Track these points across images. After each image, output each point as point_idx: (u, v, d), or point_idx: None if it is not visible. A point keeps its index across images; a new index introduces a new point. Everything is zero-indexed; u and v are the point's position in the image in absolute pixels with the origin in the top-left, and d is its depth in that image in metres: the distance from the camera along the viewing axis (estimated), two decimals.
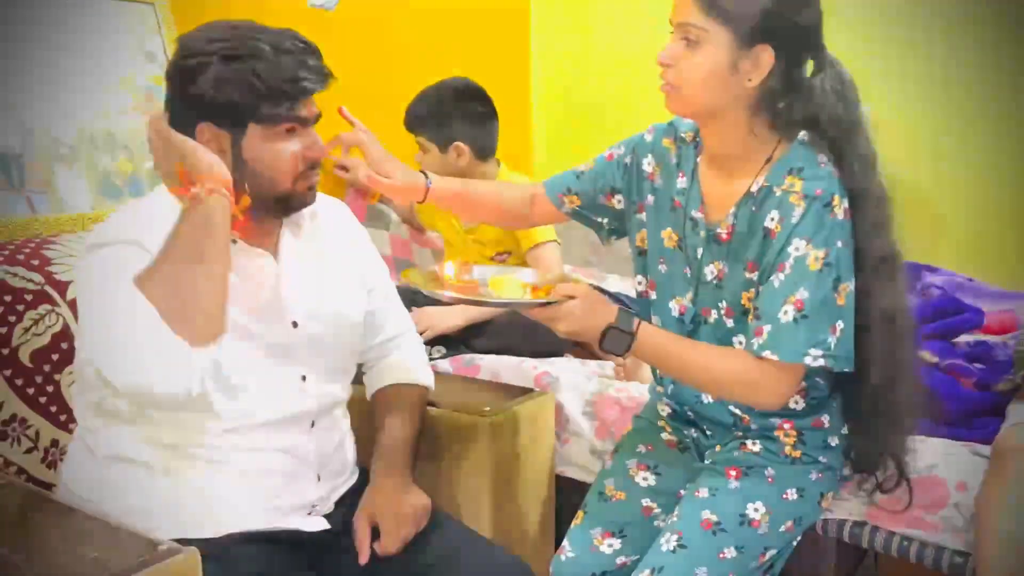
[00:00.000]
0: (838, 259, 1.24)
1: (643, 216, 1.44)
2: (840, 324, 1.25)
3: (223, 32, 1.22)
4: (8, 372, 1.40)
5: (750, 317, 1.29)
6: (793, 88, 1.27)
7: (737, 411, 1.40)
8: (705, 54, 1.23)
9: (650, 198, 1.43)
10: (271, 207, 1.28)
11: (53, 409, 1.45)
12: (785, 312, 1.24)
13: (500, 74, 2.25)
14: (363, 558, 1.31)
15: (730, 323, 1.34)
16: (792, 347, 1.23)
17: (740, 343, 1.33)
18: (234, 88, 1.19)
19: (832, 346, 1.24)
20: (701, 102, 1.27)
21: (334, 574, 1.31)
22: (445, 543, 1.35)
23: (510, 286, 1.31)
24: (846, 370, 1.27)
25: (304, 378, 1.32)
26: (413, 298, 2.04)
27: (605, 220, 1.51)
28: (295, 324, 1.31)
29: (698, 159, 1.38)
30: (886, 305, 1.29)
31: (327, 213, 1.42)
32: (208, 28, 1.24)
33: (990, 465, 1.41)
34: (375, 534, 1.33)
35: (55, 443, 1.45)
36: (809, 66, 1.28)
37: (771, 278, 1.26)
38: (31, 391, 1.43)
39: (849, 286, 1.26)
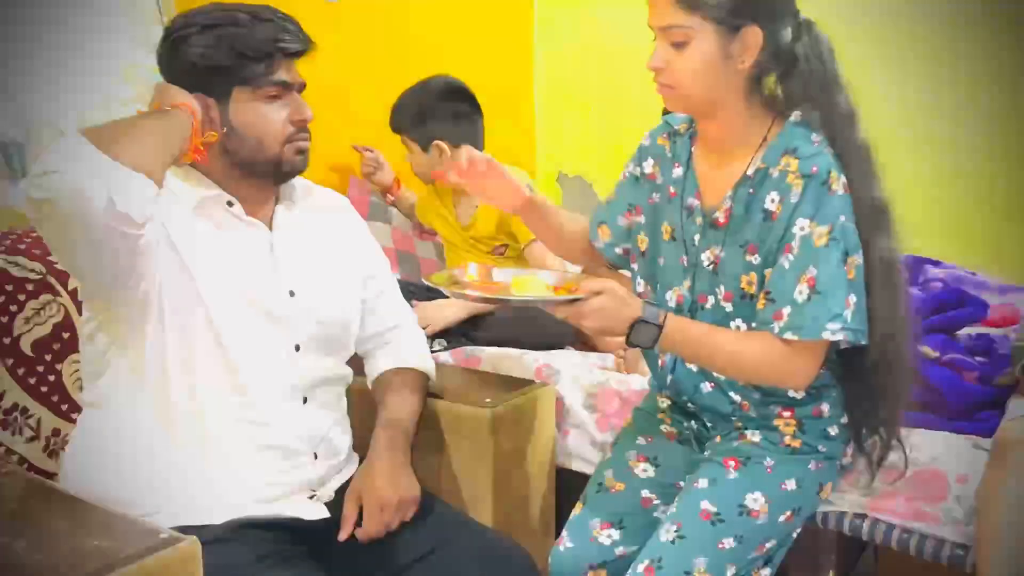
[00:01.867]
0: (843, 233, 1.25)
1: (641, 219, 1.45)
2: (853, 297, 1.26)
3: (203, 8, 1.30)
4: (10, 361, 1.41)
5: (761, 302, 1.30)
6: (779, 59, 1.28)
7: (736, 399, 1.40)
8: (694, 51, 1.24)
9: (655, 196, 1.44)
10: (263, 173, 1.31)
11: (55, 398, 1.45)
12: (800, 292, 1.26)
13: (503, 69, 2.25)
14: (343, 535, 1.32)
15: (728, 307, 1.35)
16: (811, 324, 1.25)
17: (738, 327, 1.34)
18: (215, 52, 1.25)
19: (848, 319, 1.25)
20: (700, 97, 1.28)
21: (334, 563, 1.31)
22: (444, 531, 1.36)
23: (534, 285, 1.33)
24: (862, 343, 1.28)
25: (297, 348, 1.34)
26: (413, 292, 2.05)
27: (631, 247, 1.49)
28: (292, 293, 1.34)
29: (692, 148, 1.39)
30: (883, 256, 1.29)
31: (324, 198, 1.47)
32: (190, 10, 1.31)
33: (991, 458, 1.40)
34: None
35: (56, 432, 1.45)
36: (788, 33, 1.28)
37: (780, 261, 1.27)
38: (33, 380, 1.43)
39: (857, 259, 1.27)
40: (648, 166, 1.45)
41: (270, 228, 1.35)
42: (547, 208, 1.53)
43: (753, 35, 1.25)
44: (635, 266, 1.47)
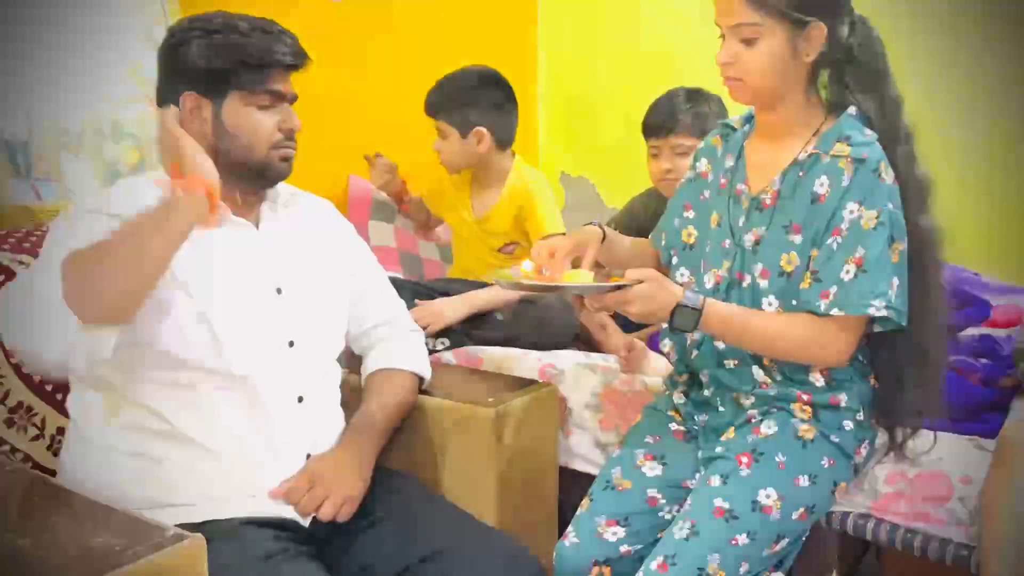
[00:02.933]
0: (890, 219, 1.30)
1: (691, 214, 1.52)
2: (896, 280, 1.31)
3: (206, 15, 1.34)
4: (15, 360, 1.41)
5: (806, 281, 1.34)
6: (837, 53, 1.35)
7: (759, 376, 1.42)
8: (764, 47, 1.32)
9: (706, 193, 1.51)
10: (250, 177, 1.35)
11: (59, 397, 1.45)
12: (847, 271, 1.31)
13: (506, 67, 2.25)
14: (273, 492, 1.32)
15: (764, 284, 1.40)
16: (857, 300, 1.30)
17: (770, 304, 1.39)
18: (216, 55, 1.30)
19: (892, 299, 1.30)
20: (766, 89, 1.36)
21: (338, 562, 1.31)
22: (448, 531, 1.36)
23: (582, 277, 1.39)
24: (903, 325, 1.32)
25: (291, 344, 1.36)
26: (416, 291, 2.05)
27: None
28: (279, 291, 1.37)
29: (745, 141, 1.46)
30: (923, 235, 1.37)
31: (309, 203, 1.50)
32: (195, 16, 1.36)
33: (994, 459, 1.41)
34: None
35: (61, 431, 1.45)
36: (846, 28, 1.35)
37: (828, 243, 1.33)
38: (37, 379, 1.43)
39: (902, 245, 1.32)
40: (701, 165, 1.53)
41: (256, 228, 1.38)
42: (622, 241, 1.57)
43: (818, 30, 1.32)
44: (675, 259, 1.54)
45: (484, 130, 2.10)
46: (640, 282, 1.30)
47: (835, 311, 1.31)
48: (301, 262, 1.42)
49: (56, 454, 1.44)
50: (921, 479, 1.48)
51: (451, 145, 2.12)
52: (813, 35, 1.32)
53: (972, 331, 1.85)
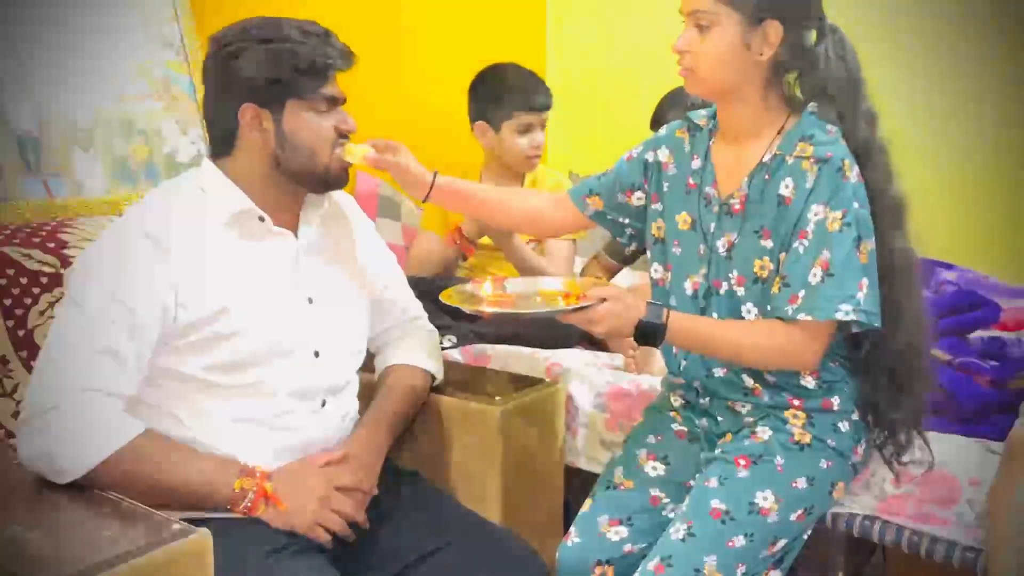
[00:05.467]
0: (856, 219, 1.29)
1: (658, 206, 1.49)
2: (865, 281, 1.30)
3: (252, 23, 1.33)
4: (24, 354, 1.42)
5: (775, 286, 1.33)
6: (800, 58, 1.35)
7: (749, 383, 1.41)
8: (717, 36, 1.31)
9: (666, 186, 1.48)
10: (311, 183, 1.36)
11: None
12: (814, 274, 1.30)
13: (515, 62, 2.26)
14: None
15: (741, 292, 1.38)
16: (824, 305, 1.29)
17: (748, 311, 1.38)
18: (273, 66, 1.29)
19: (860, 301, 1.28)
20: (718, 81, 1.34)
21: (344, 558, 1.31)
22: (453, 528, 1.36)
23: (547, 297, 1.40)
24: (875, 326, 1.31)
25: (317, 354, 1.36)
26: (421, 287, 2.04)
27: (627, 220, 1.55)
28: (310, 300, 1.37)
29: (711, 142, 1.44)
30: (901, 252, 1.35)
31: (338, 200, 1.49)
32: (236, 24, 1.35)
33: (1002, 461, 1.40)
34: None
35: None
36: (812, 35, 1.35)
37: (794, 246, 1.32)
38: None
39: (870, 244, 1.31)
40: (663, 154, 1.49)
41: (296, 237, 1.37)
42: (463, 185, 1.58)
43: (774, 30, 1.31)
44: (650, 252, 1.52)
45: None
46: (603, 300, 1.29)
47: (802, 316, 1.29)
48: (333, 270, 1.42)
49: None
50: (929, 481, 1.47)
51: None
52: (768, 34, 1.31)
53: (981, 333, 1.84)
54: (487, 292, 1.43)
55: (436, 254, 2.11)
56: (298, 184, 1.35)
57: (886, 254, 1.33)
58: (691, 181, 1.45)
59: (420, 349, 1.57)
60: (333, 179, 1.37)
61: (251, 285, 1.30)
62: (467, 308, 1.37)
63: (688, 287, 1.44)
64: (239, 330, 1.27)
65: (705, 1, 1.31)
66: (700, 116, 1.47)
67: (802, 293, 1.30)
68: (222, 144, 1.34)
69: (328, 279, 1.40)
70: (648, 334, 1.31)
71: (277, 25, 1.32)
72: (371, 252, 1.53)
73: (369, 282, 1.50)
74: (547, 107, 2.16)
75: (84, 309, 1.21)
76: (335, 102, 1.35)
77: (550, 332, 2.01)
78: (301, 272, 1.36)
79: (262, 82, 1.29)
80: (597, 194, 1.55)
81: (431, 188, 1.51)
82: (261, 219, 1.33)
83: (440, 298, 1.41)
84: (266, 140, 1.31)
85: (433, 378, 1.58)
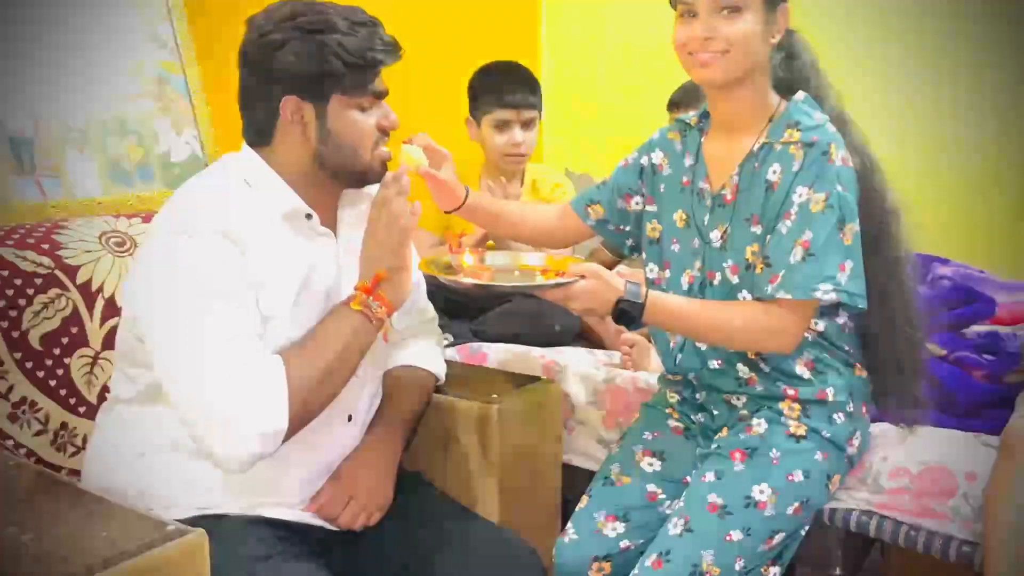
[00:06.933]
0: (840, 201, 1.30)
1: (653, 208, 1.51)
2: (849, 263, 1.30)
3: (296, 8, 1.25)
4: (18, 355, 1.41)
5: (759, 268, 1.34)
6: (787, 39, 1.39)
7: (743, 373, 1.41)
8: (747, 19, 1.32)
9: (662, 187, 1.50)
10: (351, 180, 1.31)
11: (63, 392, 1.46)
12: (794, 254, 1.30)
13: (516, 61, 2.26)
14: (311, 506, 1.30)
15: (735, 280, 1.39)
16: (803, 283, 1.29)
17: (744, 298, 1.38)
18: (319, 60, 1.22)
19: (842, 282, 1.29)
20: (743, 66, 1.34)
21: (340, 560, 1.31)
22: (450, 528, 1.35)
23: (525, 271, 1.39)
24: (860, 307, 1.32)
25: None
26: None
27: (627, 228, 1.56)
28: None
29: (702, 139, 1.45)
30: (888, 208, 1.39)
31: (369, 193, 1.42)
32: (277, 7, 1.27)
33: (999, 456, 1.40)
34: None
35: (64, 426, 1.45)
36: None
37: (778, 227, 1.32)
38: (41, 374, 1.44)
39: (854, 227, 1.31)
40: (657, 157, 1.51)
41: (335, 238, 1.34)
42: (487, 203, 1.61)
43: (784, 14, 1.35)
44: (645, 253, 1.53)
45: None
46: (582, 277, 1.30)
47: (781, 294, 1.30)
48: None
49: (60, 450, 1.44)
50: (925, 475, 1.47)
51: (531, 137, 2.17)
52: (780, 17, 1.34)
53: (977, 328, 1.84)
54: (467, 263, 1.42)
55: (428, 254, 2.09)
56: (336, 180, 1.30)
57: (871, 210, 1.36)
58: (685, 179, 1.46)
59: (430, 351, 1.54)
60: (373, 177, 1.31)
61: (301, 285, 1.25)
62: (444, 278, 1.35)
63: (684, 281, 1.45)
64: (290, 334, 1.22)
65: None
66: (689, 116, 1.49)
67: (782, 272, 1.30)
68: (259, 135, 1.28)
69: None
70: (626, 312, 1.32)
71: (323, 13, 1.23)
72: None
73: None
74: (524, 105, 2.12)
75: (189, 313, 1.16)
76: (380, 97, 1.29)
77: (548, 330, 2.01)
78: (343, 276, 1.32)
79: (307, 76, 1.22)
80: (598, 202, 1.57)
81: (462, 204, 1.53)
82: (308, 216, 1.28)
83: (419, 267, 1.40)
84: (308, 135, 1.25)
85: (437, 380, 1.56)
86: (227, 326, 1.16)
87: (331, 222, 1.34)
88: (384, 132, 1.30)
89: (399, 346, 1.53)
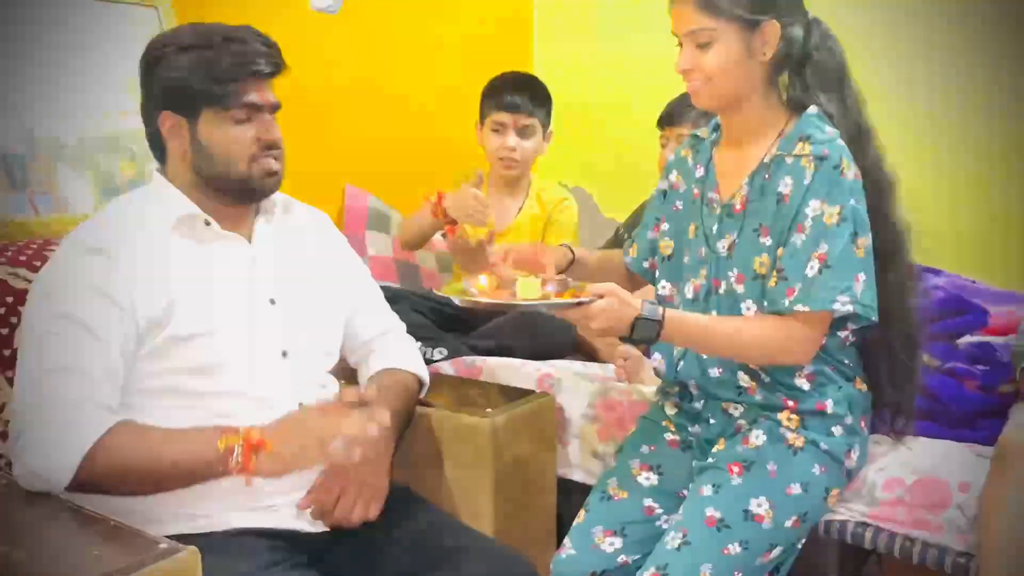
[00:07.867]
0: (853, 214, 1.31)
1: (665, 226, 1.54)
2: (863, 275, 1.32)
3: (182, 29, 1.34)
4: (9, 373, 1.41)
5: (773, 281, 1.35)
6: (793, 54, 1.38)
7: (744, 383, 1.42)
8: (720, 51, 1.33)
9: (678, 203, 1.52)
10: (234, 192, 1.34)
11: None
12: (811, 267, 1.31)
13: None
14: (303, 503, 1.31)
15: (740, 289, 1.40)
16: (820, 295, 1.30)
17: (748, 308, 1.39)
18: (187, 74, 1.28)
19: (858, 294, 1.30)
20: (729, 93, 1.37)
21: (334, 573, 1.30)
22: (445, 541, 1.35)
23: (529, 285, 1.38)
24: (872, 319, 1.33)
25: (284, 354, 1.36)
26: (413, 301, 2.04)
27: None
28: (272, 301, 1.37)
29: (713, 150, 1.47)
30: (900, 228, 1.41)
31: (304, 213, 1.50)
32: (172, 29, 1.36)
33: (993, 466, 1.40)
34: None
35: None
36: (799, 30, 1.38)
37: (792, 240, 1.33)
38: None
39: (867, 241, 1.33)
40: (673, 177, 1.54)
41: (250, 242, 1.38)
42: (589, 258, 1.61)
43: (772, 28, 1.34)
44: (657, 272, 1.55)
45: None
46: (600, 297, 1.30)
47: (799, 307, 1.31)
48: (295, 273, 1.41)
49: None
50: (919, 486, 1.47)
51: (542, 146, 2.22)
52: (767, 33, 1.34)
53: (970, 338, 1.85)
54: (483, 285, 1.43)
55: (415, 219, 2.09)
56: (223, 192, 1.33)
57: (881, 231, 1.36)
58: (695, 191, 1.48)
59: (405, 355, 1.57)
60: (256, 189, 1.34)
61: (203, 285, 1.29)
62: (463, 300, 1.35)
63: (689, 290, 1.47)
64: (197, 331, 1.27)
65: (699, 20, 1.32)
66: (703, 131, 1.52)
67: (799, 285, 1.31)
68: (154, 149, 1.36)
69: (292, 282, 1.40)
70: (644, 331, 1.32)
71: (204, 31, 1.30)
72: (342, 264, 1.54)
73: (340, 290, 1.50)
74: (521, 109, 2.15)
75: (35, 333, 1.22)
76: (258, 109, 1.31)
77: (542, 343, 2.01)
78: (259, 275, 1.36)
79: (176, 90, 1.28)
80: (635, 241, 1.60)
81: (570, 263, 1.54)
82: (207, 223, 1.33)
83: (436, 291, 1.42)
84: (184, 148, 1.31)
85: (421, 384, 1.57)
86: (63, 355, 1.19)
87: (246, 229, 1.38)
88: (267, 147, 1.32)
89: (373, 355, 1.56)
